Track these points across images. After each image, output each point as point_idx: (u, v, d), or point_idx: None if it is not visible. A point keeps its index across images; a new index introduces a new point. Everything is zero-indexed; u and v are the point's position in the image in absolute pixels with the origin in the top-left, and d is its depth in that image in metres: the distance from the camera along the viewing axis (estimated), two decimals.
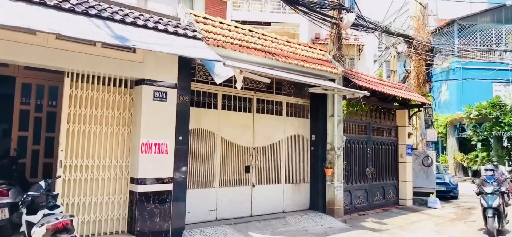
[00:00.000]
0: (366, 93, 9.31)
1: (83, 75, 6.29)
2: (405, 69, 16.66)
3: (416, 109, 13.71)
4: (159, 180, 6.83)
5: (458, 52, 22.71)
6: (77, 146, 6.30)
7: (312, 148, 10.09)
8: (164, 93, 6.91)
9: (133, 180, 6.72)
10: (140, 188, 6.62)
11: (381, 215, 10.84)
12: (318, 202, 9.79)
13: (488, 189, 8.64)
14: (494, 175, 9.17)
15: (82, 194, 6.33)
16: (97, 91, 6.47)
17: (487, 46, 26.09)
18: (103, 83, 6.51)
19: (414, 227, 9.54)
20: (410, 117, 13.27)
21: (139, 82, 6.76)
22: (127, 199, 6.78)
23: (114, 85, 6.64)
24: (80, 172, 6.32)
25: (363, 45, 19.27)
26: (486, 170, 9.29)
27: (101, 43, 6.00)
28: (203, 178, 8.07)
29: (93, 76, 6.39)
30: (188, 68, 7.34)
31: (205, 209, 8.03)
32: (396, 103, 12.81)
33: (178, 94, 7.10)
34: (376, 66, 23.36)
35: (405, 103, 12.87)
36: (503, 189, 8.89)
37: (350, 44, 18.12)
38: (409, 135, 12.97)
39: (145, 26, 6.34)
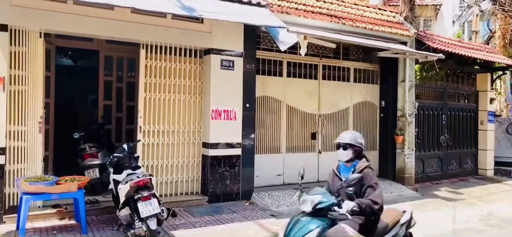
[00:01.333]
0: (441, 56, 8.72)
1: (156, 46, 6.73)
2: (489, 29, 15.19)
3: (501, 73, 12.53)
4: (229, 145, 7.17)
5: None
6: (154, 113, 6.83)
7: (382, 115, 9.79)
8: (231, 62, 7.15)
9: (205, 145, 7.14)
10: (212, 152, 7.03)
11: (457, 184, 10.28)
12: (388, 170, 9.57)
13: None
14: None
15: (160, 157, 6.89)
16: (169, 61, 6.89)
17: None
18: (175, 54, 6.91)
19: (494, 198, 8.94)
20: (493, 81, 12.17)
21: (207, 51, 7.06)
22: (200, 163, 7.25)
23: (185, 55, 7.02)
24: (157, 137, 6.87)
25: (440, 5, 17.83)
26: None
27: (171, 14, 6.34)
28: (270, 144, 8.29)
29: (165, 47, 6.81)
30: (253, 36, 7.48)
31: (272, 174, 8.28)
32: (477, 67, 11.81)
33: (244, 62, 7.30)
34: (456, 27, 21.54)
35: (488, 66, 11.81)
36: None
37: (425, 4, 16.89)
38: (492, 100, 11.95)
39: None
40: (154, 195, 4.99)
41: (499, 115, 13.30)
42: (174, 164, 7.04)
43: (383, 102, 9.77)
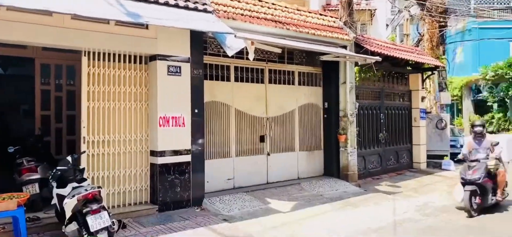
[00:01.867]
0: (378, 59, 9.31)
1: (99, 53, 6.48)
2: (419, 33, 16.41)
3: (430, 73, 13.59)
4: (178, 152, 7.09)
5: (474, 12, 22.16)
6: (99, 122, 6.56)
7: (325, 116, 10.21)
8: (178, 68, 7.08)
9: (153, 153, 7.00)
10: (160, 160, 6.90)
11: (395, 178, 11.00)
12: (332, 168, 9.99)
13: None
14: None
15: (106, 168, 6.63)
16: (114, 68, 6.66)
17: (505, 4, 25.33)
18: (119, 61, 6.69)
19: (427, 189, 9.70)
20: (423, 81, 13.18)
21: (153, 58, 6.93)
22: (148, 171, 7.08)
23: (130, 61, 6.83)
24: (103, 147, 6.61)
25: (375, 10, 18.96)
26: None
27: (115, 21, 6.15)
28: (219, 148, 8.31)
29: (109, 54, 6.58)
30: (200, 42, 7.47)
31: (223, 178, 8.31)
32: (409, 68, 12.73)
33: (191, 68, 7.26)
34: (389, 30, 23.00)
35: (418, 67, 12.77)
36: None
37: (362, 9, 17.86)
38: (423, 98, 12.94)
39: (156, 2, 6.43)
40: (103, 207, 4.83)
41: (430, 112, 14.41)
42: (121, 174, 6.82)
43: (326, 104, 10.19)
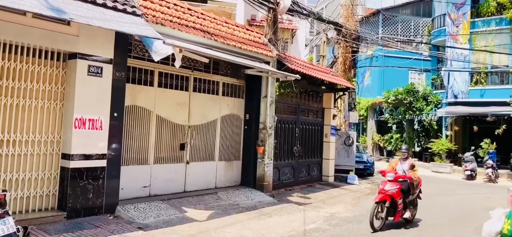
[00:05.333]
0: (298, 77, 9.90)
1: (11, 45, 5.96)
2: (334, 55, 17.71)
3: (341, 93, 14.77)
4: (93, 156, 6.77)
5: (381, 41, 24.55)
6: (3, 120, 6.00)
7: (246, 127, 10.52)
8: (100, 69, 6.79)
9: (65, 156, 6.59)
10: (73, 164, 6.53)
11: (306, 190, 11.71)
12: (249, 178, 10.31)
13: None
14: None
15: (9, 169, 6.09)
16: (27, 63, 6.17)
17: (407, 36, 28.50)
18: (34, 55, 6.22)
19: (334, 201, 10.51)
20: (335, 100, 14.27)
21: (73, 56, 6.56)
22: (58, 175, 6.64)
23: (46, 58, 6.38)
24: (6, 147, 6.06)
25: (296, 30, 20.00)
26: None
27: (33, 13, 5.71)
28: (137, 154, 8.10)
29: (23, 47, 6.08)
30: (124, 43, 7.25)
31: (138, 186, 8.10)
32: (324, 87, 13.69)
33: (114, 70, 7.01)
34: (307, 50, 24.41)
35: (332, 87, 13.81)
36: None
37: (285, 28, 18.73)
38: (334, 116, 13.99)
39: None
40: (7, 213, 4.45)
41: (339, 129, 15.62)
42: (26, 177, 6.29)
43: (247, 116, 10.52)
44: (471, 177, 17.23)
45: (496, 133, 18.80)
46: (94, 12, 5.87)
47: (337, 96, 14.45)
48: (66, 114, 6.63)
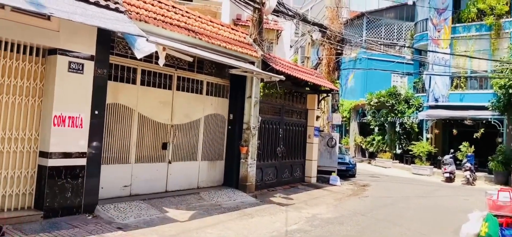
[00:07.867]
0: (282, 78, 9.91)
1: None
2: (318, 57, 17.82)
3: (325, 95, 14.87)
4: (72, 154, 6.62)
5: (365, 43, 24.84)
6: None
7: (230, 127, 10.47)
8: (81, 65, 6.64)
9: (43, 154, 6.41)
10: (51, 162, 6.36)
11: (288, 191, 11.73)
12: (232, 179, 10.26)
13: None
14: None
15: None
16: (5, 58, 5.97)
17: (390, 40, 28.92)
18: (12, 50, 6.03)
19: (316, 202, 10.56)
20: (319, 101, 14.36)
21: (53, 51, 6.39)
22: (35, 174, 6.46)
23: (24, 53, 6.19)
24: None
25: (281, 30, 20.05)
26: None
27: (11, 7, 5.54)
28: (118, 153, 7.96)
29: (1, 42, 5.89)
30: (107, 40, 7.10)
31: (119, 185, 7.96)
32: (308, 88, 13.75)
33: (95, 66, 6.86)
34: (292, 51, 24.50)
35: (316, 89, 13.88)
36: None
37: (270, 29, 18.76)
38: (317, 117, 14.07)
39: None
40: None
41: (322, 131, 15.72)
42: (1, 176, 6.09)
43: (231, 115, 10.47)
44: (450, 179, 17.59)
45: (474, 136, 19.28)
46: (76, 7, 5.73)
47: (321, 97, 14.54)
48: (44, 111, 6.45)
